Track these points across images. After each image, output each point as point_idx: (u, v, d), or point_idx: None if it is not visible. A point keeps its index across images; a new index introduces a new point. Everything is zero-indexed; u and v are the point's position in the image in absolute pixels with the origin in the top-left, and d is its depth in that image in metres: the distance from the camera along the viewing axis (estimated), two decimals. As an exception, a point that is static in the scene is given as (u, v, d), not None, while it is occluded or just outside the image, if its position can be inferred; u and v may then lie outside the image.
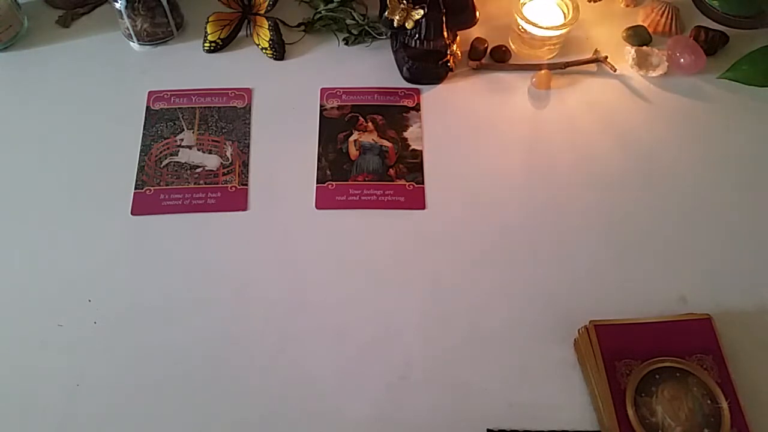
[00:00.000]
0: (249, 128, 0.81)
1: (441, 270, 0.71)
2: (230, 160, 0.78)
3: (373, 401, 0.64)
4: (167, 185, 0.76)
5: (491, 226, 0.74)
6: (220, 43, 0.87)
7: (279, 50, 0.86)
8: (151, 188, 0.76)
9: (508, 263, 0.72)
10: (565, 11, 0.83)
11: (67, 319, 0.68)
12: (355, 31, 0.87)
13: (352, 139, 0.80)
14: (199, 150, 0.79)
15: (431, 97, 0.83)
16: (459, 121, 0.82)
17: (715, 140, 0.80)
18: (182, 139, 0.80)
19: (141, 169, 0.77)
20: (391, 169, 0.78)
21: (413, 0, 0.78)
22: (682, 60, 0.84)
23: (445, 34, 0.79)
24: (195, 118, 0.81)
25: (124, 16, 0.83)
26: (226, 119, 0.81)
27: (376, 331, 0.67)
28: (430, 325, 0.68)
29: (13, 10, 0.85)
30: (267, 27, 0.86)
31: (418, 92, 0.84)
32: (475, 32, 0.85)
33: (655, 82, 0.84)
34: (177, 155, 0.78)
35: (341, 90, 0.84)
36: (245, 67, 0.85)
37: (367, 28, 0.86)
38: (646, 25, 0.88)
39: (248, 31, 0.89)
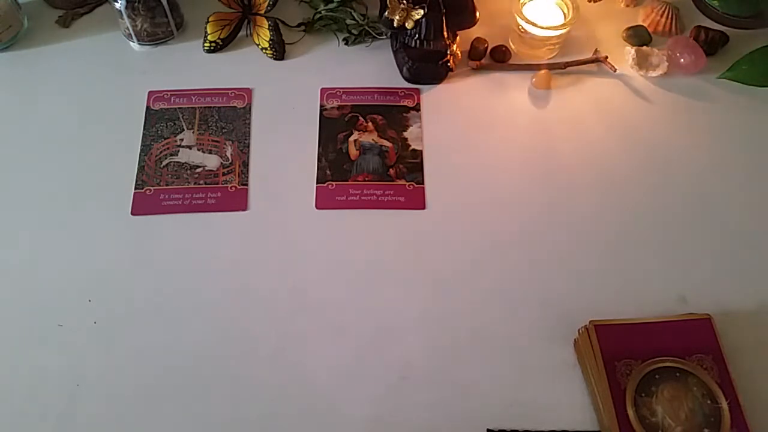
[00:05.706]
0: (249, 128, 0.81)
1: (441, 270, 0.71)
2: (230, 160, 0.78)
3: (373, 401, 0.64)
4: (167, 185, 0.76)
5: (491, 226, 0.74)
6: (220, 43, 0.87)
7: (279, 50, 0.86)
8: (151, 188, 0.76)
9: (508, 263, 0.72)
10: (565, 11, 0.83)
11: (67, 319, 0.68)
12: (355, 31, 0.87)
13: (352, 139, 0.80)
14: (199, 150, 0.79)
15: (431, 97, 0.83)
16: (459, 121, 0.82)
17: (715, 140, 0.80)
18: (182, 139, 0.80)
19: (141, 169, 0.77)
20: (391, 169, 0.78)
21: (413, 0, 0.78)
22: (682, 60, 0.84)
23: (445, 34, 0.79)
24: (195, 118, 0.81)
25: (124, 16, 0.83)
26: (226, 119, 0.81)
27: (376, 331, 0.67)
28: (430, 325, 0.68)
29: (13, 10, 0.85)
30: (267, 27, 0.86)
31: (418, 92, 0.84)
32: (475, 32, 0.85)
33: (655, 82, 0.84)
34: (177, 155, 0.78)
35: (341, 90, 0.84)
36: (245, 67, 0.85)
37: (367, 28, 0.86)
38: (646, 25, 0.88)
39: (248, 31, 0.89)
